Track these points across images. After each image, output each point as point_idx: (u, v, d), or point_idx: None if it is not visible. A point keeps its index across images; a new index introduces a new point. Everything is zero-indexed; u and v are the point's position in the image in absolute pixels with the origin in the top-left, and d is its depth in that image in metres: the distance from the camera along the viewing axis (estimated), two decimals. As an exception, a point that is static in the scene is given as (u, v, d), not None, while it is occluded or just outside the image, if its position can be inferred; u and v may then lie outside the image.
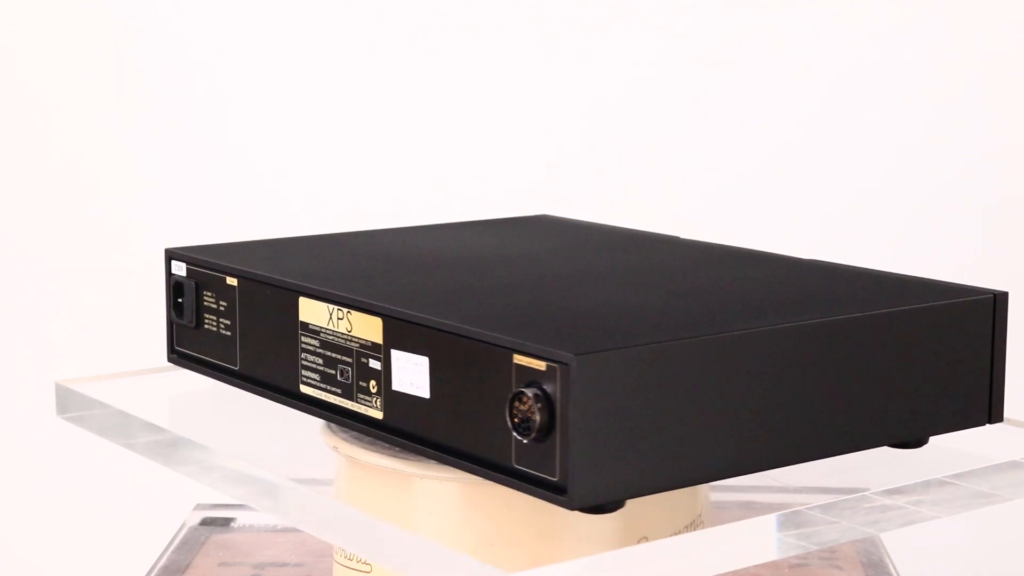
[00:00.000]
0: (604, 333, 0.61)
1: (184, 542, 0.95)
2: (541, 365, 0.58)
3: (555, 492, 0.58)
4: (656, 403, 0.58)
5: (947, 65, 1.34)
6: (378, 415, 0.67)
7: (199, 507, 1.01)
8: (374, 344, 0.66)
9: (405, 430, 0.66)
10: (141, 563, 1.04)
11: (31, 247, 1.36)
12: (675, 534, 0.68)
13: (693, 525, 0.70)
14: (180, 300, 0.78)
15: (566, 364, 0.57)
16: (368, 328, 0.67)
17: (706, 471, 0.60)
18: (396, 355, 0.65)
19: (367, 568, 0.70)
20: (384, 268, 0.74)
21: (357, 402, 0.68)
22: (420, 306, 0.65)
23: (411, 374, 0.65)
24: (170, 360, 0.80)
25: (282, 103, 1.35)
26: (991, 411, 0.67)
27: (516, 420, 0.59)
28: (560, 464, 0.58)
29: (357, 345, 0.67)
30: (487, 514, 0.66)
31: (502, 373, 0.60)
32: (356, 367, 0.68)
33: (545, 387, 0.58)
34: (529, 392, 0.58)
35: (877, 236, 1.34)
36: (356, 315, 0.67)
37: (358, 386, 0.68)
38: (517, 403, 0.59)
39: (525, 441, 0.59)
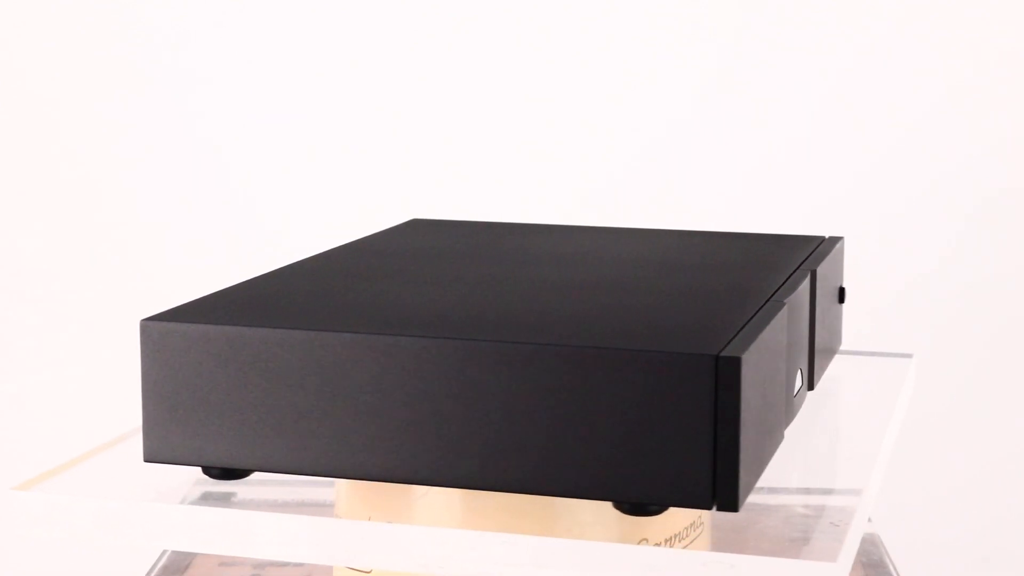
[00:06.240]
0: (215, 311, 0.62)
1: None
2: None
3: None
4: (226, 383, 0.59)
5: (948, 67, 1.34)
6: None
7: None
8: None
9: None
10: (141, 563, 1.04)
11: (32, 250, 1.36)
12: (675, 535, 0.68)
13: (693, 526, 0.70)
14: None
15: None
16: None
17: (307, 463, 0.59)
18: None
19: (367, 569, 0.71)
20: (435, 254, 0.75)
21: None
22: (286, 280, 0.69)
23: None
24: None
25: (282, 109, 1.35)
26: (716, 494, 0.55)
27: None
28: None
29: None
30: (486, 517, 0.66)
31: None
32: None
33: None
34: None
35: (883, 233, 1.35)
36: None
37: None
38: None
39: None
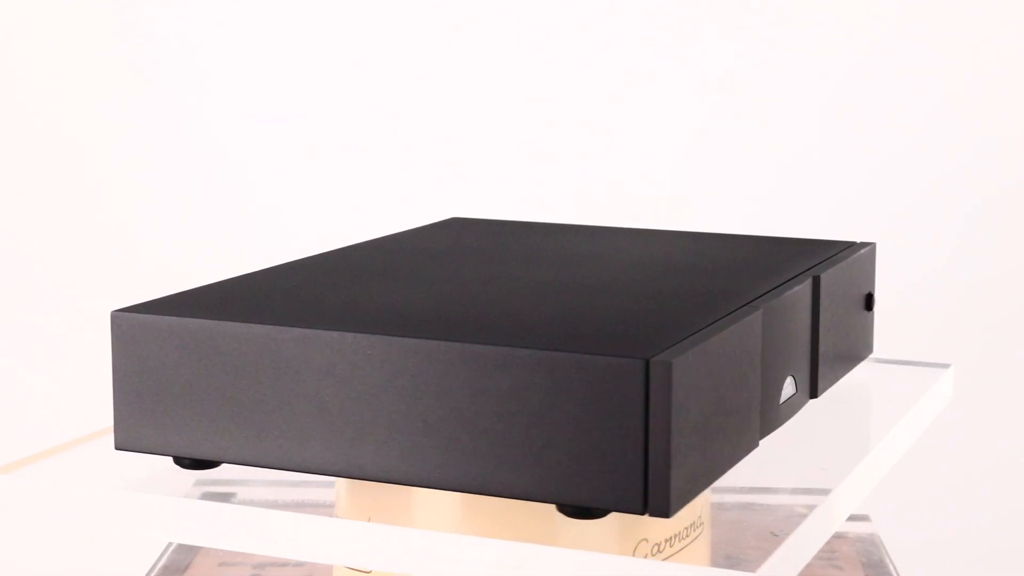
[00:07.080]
0: (186, 305, 0.62)
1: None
2: None
3: None
4: (191, 375, 0.60)
5: (950, 68, 1.34)
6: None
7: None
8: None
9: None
10: (141, 563, 1.04)
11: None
12: (675, 535, 0.68)
13: (694, 526, 0.70)
14: None
15: None
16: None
17: (270, 456, 0.60)
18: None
19: (367, 569, 0.70)
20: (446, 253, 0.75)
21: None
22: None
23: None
24: None
25: (280, 115, 1.36)
26: (648, 499, 0.54)
27: None
28: None
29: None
30: (485, 518, 0.66)
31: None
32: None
33: None
34: None
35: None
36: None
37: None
38: None
39: None
